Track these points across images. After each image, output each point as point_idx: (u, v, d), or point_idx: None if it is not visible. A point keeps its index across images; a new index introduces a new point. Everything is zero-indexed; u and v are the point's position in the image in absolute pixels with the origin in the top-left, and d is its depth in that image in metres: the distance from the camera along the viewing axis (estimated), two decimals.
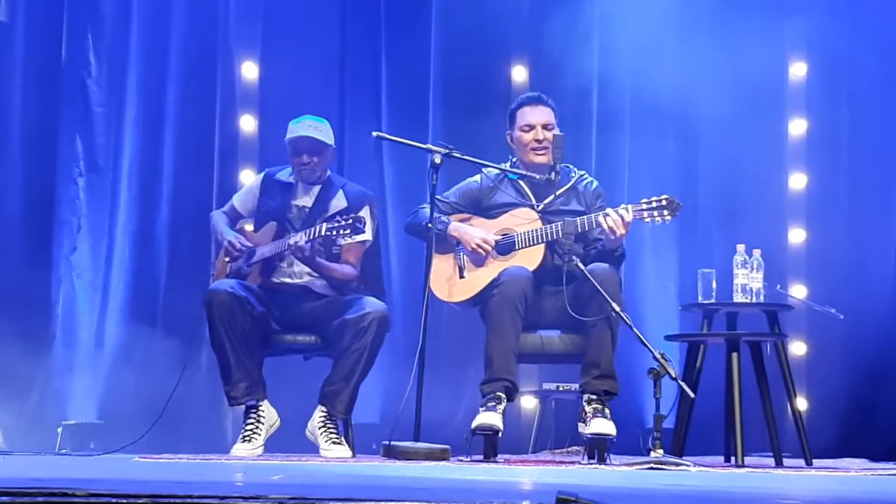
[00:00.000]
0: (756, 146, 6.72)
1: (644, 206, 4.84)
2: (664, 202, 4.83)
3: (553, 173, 4.94)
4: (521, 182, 5.09)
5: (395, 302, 6.27)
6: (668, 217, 4.84)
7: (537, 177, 5.02)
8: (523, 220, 5.01)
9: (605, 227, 4.81)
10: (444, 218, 5.08)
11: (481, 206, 5.14)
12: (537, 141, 5.06)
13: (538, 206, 5.05)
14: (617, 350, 4.83)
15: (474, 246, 4.99)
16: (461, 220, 5.11)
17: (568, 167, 5.20)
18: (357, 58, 6.83)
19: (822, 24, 6.70)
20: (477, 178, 5.18)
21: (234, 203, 5.39)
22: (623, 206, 4.85)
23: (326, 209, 5.15)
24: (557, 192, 5.06)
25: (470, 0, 6.82)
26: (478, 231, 5.03)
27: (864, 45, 6.59)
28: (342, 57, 6.83)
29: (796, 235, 6.68)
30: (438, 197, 5.13)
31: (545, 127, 5.07)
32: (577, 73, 6.68)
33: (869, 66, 6.58)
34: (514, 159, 5.16)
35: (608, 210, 4.85)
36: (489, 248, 4.98)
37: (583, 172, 5.20)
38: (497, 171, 5.12)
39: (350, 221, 4.87)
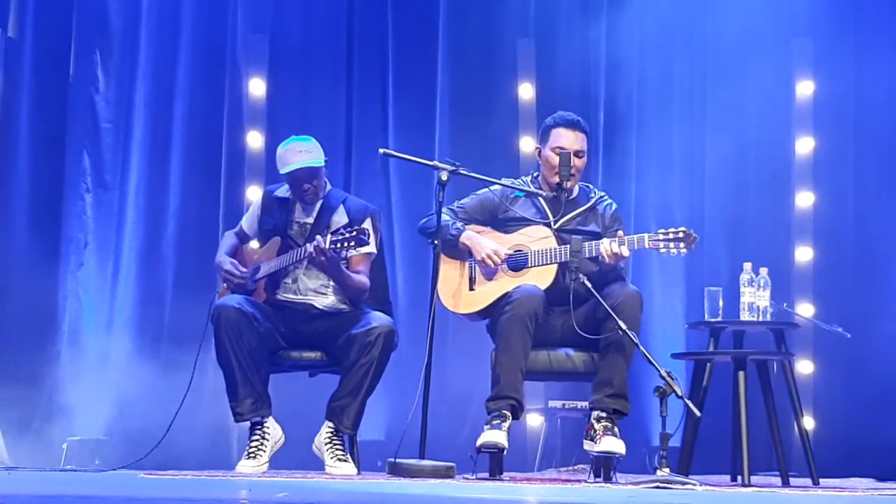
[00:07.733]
0: (763, 164, 6.72)
1: (661, 238, 4.82)
2: (681, 234, 4.80)
3: (562, 191, 4.93)
4: (541, 198, 5.06)
5: (401, 318, 6.25)
6: (684, 250, 4.80)
7: (544, 193, 5.01)
8: (537, 238, 4.98)
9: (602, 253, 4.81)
10: (458, 225, 5.04)
11: (497, 219, 5.10)
12: (565, 167, 5.01)
13: (554, 224, 5.02)
14: None
15: (483, 256, 4.95)
16: (478, 232, 5.07)
17: (588, 186, 5.18)
18: (364, 74, 6.85)
19: (828, 43, 6.72)
20: (496, 188, 5.09)
21: (243, 224, 5.39)
22: (638, 235, 4.84)
23: (328, 225, 5.13)
24: (576, 212, 5.04)
25: (476, 16, 6.86)
26: (490, 242, 4.98)
27: (870, 64, 6.60)
28: (349, 73, 6.85)
29: (803, 254, 6.67)
30: (456, 204, 5.12)
31: (577, 154, 5.02)
32: (583, 90, 6.70)
33: (875, 85, 6.59)
34: (537, 174, 5.11)
35: (604, 240, 4.82)
36: (498, 261, 4.95)
37: (602, 194, 5.15)
38: (505, 187, 5.10)
39: (354, 233, 4.85)
